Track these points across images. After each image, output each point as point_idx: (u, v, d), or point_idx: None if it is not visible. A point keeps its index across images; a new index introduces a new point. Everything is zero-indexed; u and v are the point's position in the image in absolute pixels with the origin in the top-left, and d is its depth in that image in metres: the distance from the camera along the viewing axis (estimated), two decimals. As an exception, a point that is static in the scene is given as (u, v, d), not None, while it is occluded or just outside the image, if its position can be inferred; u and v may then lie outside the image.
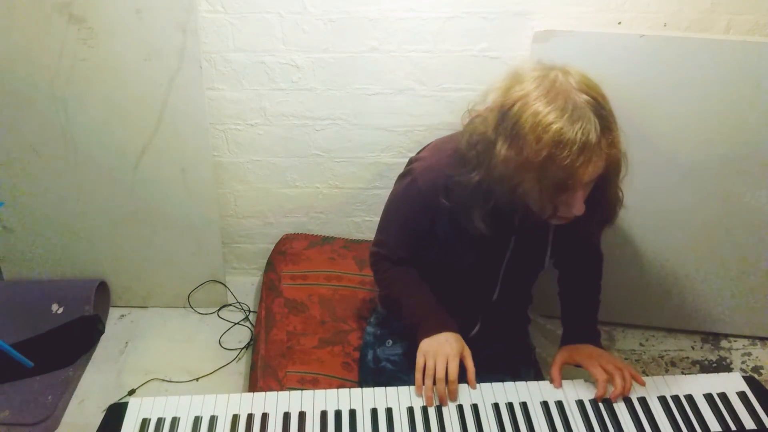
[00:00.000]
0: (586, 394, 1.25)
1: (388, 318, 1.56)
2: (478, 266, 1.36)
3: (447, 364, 1.24)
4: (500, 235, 1.31)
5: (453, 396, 1.22)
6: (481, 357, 1.49)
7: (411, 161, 1.38)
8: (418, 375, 1.25)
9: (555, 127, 1.03)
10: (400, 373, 1.43)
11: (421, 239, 1.37)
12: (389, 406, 1.21)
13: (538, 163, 1.05)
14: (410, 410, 1.20)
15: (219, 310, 2.14)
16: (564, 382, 1.28)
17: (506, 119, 1.09)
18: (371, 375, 1.49)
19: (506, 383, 1.27)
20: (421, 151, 1.40)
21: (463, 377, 1.26)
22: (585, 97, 1.05)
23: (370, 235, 1.50)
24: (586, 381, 1.28)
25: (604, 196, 1.19)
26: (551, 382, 1.28)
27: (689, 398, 1.25)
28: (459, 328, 1.45)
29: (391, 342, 1.50)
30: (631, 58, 1.63)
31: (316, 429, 1.16)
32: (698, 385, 1.28)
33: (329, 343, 1.69)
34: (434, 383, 1.23)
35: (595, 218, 1.24)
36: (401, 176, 1.38)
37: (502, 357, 1.51)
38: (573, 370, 1.32)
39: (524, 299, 1.55)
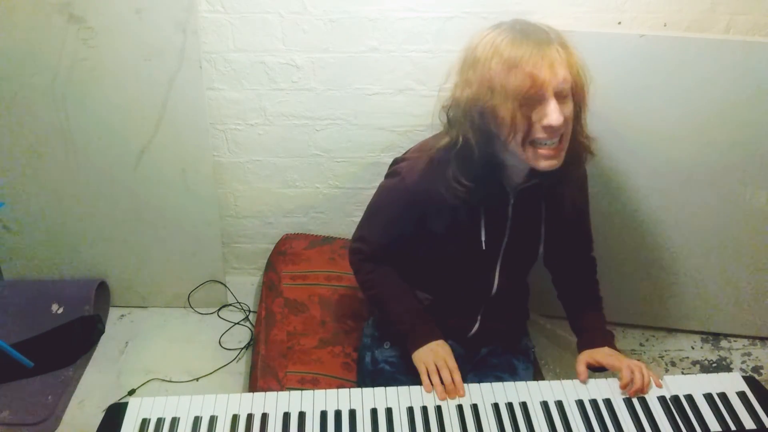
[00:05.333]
0: (586, 394, 1.25)
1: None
2: (477, 259, 1.37)
3: (446, 362, 1.28)
4: (496, 224, 1.33)
5: (459, 385, 1.25)
6: (479, 356, 1.49)
7: (396, 161, 1.39)
8: (423, 377, 1.27)
9: (507, 40, 1.10)
10: (398, 374, 1.43)
11: (406, 240, 1.38)
12: (389, 406, 1.21)
13: (501, 77, 1.10)
14: (410, 410, 1.20)
15: (219, 310, 2.14)
16: (564, 381, 1.28)
17: (466, 59, 1.17)
18: (369, 377, 1.49)
19: (506, 383, 1.27)
20: (406, 152, 1.41)
21: None
22: (536, 23, 1.14)
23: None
24: (585, 381, 1.28)
25: (582, 122, 1.22)
26: (578, 377, 1.30)
27: (689, 398, 1.25)
28: (458, 329, 1.46)
29: (388, 344, 1.50)
30: (631, 58, 1.63)
31: (315, 429, 1.16)
32: (698, 385, 1.27)
33: (329, 344, 1.69)
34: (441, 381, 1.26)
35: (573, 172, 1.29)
36: (388, 176, 1.40)
37: (500, 356, 1.51)
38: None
39: (522, 291, 1.56)
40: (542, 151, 1.16)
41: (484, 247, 1.33)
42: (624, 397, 1.25)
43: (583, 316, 1.45)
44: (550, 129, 1.12)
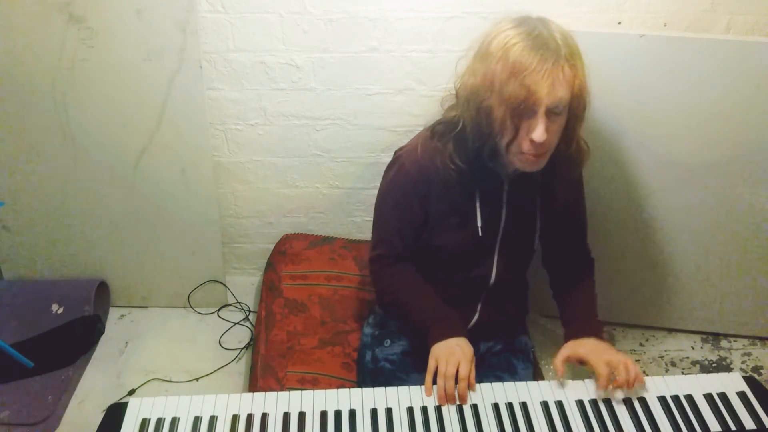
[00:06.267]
0: (586, 394, 1.25)
1: (386, 319, 1.56)
2: (475, 246, 1.38)
3: (459, 366, 1.25)
4: (491, 210, 1.35)
5: (464, 393, 1.23)
6: (479, 353, 1.49)
7: (395, 152, 1.43)
8: (428, 377, 1.26)
9: (519, 46, 1.13)
10: (399, 372, 1.43)
11: (416, 226, 1.39)
12: (389, 406, 1.21)
13: (501, 80, 1.13)
14: (410, 410, 1.20)
15: (219, 310, 2.14)
16: (564, 381, 1.27)
17: (481, 46, 1.21)
18: (369, 375, 1.49)
19: (506, 383, 1.27)
20: (405, 144, 1.43)
21: None
22: (554, 33, 1.15)
23: (370, 235, 1.50)
24: (586, 381, 1.28)
25: (572, 136, 1.24)
26: (555, 372, 1.29)
27: (689, 398, 1.25)
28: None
29: (389, 342, 1.50)
30: (631, 58, 1.63)
31: (315, 429, 1.16)
32: (698, 385, 1.28)
33: (329, 344, 1.69)
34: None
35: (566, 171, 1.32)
36: (388, 167, 1.42)
37: (500, 355, 1.51)
38: (581, 372, 1.32)
39: (521, 285, 1.56)
40: (524, 156, 1.21)
41: (480, 233, 1.34)
42: (621, 397, 1.24)
43: (571, 308, 1.45)
44: (533, 143, 1.16)
